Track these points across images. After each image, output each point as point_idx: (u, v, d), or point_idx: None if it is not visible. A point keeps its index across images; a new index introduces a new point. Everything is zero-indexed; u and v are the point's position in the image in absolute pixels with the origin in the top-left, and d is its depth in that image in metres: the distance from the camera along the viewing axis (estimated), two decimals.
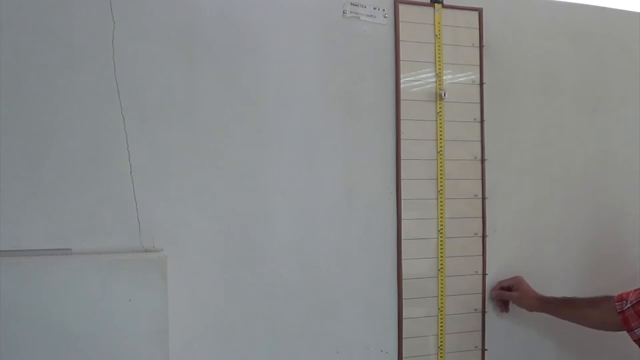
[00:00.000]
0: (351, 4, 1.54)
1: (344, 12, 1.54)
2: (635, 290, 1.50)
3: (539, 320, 1.73)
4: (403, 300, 1.57)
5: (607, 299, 1.55)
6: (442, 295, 1.62)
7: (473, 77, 1.67)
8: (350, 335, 1.54)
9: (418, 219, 1.60)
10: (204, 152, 1.42)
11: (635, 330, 1.49)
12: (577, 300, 1.61)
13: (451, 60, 1.64)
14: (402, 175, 1.58)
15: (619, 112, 1.86)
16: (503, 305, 1.69)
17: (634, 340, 1.52)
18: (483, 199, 1.66)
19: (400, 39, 1.58)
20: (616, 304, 1.52)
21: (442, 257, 1.62)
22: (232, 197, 1.44)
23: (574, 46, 1.80)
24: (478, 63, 1.67)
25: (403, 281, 1.58)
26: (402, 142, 1.58)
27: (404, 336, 1.58)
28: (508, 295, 1.66)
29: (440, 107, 1.62)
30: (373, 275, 1.56)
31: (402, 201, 1.58)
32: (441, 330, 1.62)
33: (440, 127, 1.62)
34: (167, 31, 1.39)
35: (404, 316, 1.58)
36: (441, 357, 1.62)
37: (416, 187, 1.60)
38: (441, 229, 1.62)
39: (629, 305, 1.48)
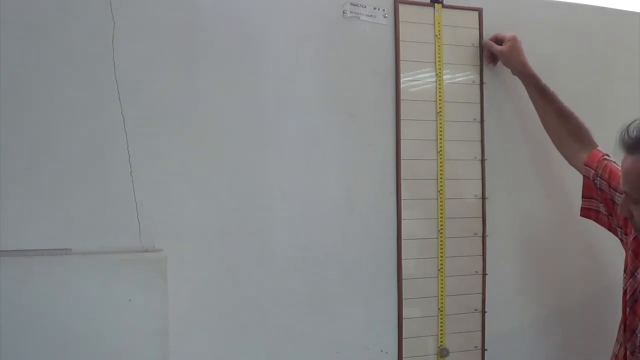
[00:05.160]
0: (351, 4, 1.54)
1: (344, 12, 1.54)
2: (606, 164, 1.48)
3: (539, 320, 1.73)
4: (403, 300, 1.57)
5: (587, 138, 1.56)
6: (442, 295, 1.62)
7: (473, 77, 1.67)
8: (350, 335, 1.54)
9: (418, 219, 1.60)
10: (204, 152, 1.42)
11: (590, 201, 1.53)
12: (555, 100, 1.59)
13: (451, 60, 1.64)
14: (402, 175, 1.58)
15: (619, 112, 1.85)
16: (491, 57, 1.67)
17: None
18: (483, 199, 1.66)
19: (400, 39, 1.58)
20: (584, 166, 1.52)
21: (442, 257, 1.62)
22: (232, 197, 1.44)
23: (574, 46, 1.80)
24: (478, 63, 1.67)
25: (403, 281, 1.58)
26: (402, 142, 1.58)
27: (404, 336, 1.58)
28: (496, 48, 1.63)
29: (440, 107, 1.62)
30: (373, 275, 1.56)
31: (402, 201, 1.58)
32: (441, 330, 1.62)
33: (440, 127, 1.62)
34: (167, 31, 1.39)
35: (404, 316, 1.58)
36: (441, 357, 1.62)
37: (416, 187, 1.60)
38: (441, 229, 1.62)
39: (597, 178, 1.49)
